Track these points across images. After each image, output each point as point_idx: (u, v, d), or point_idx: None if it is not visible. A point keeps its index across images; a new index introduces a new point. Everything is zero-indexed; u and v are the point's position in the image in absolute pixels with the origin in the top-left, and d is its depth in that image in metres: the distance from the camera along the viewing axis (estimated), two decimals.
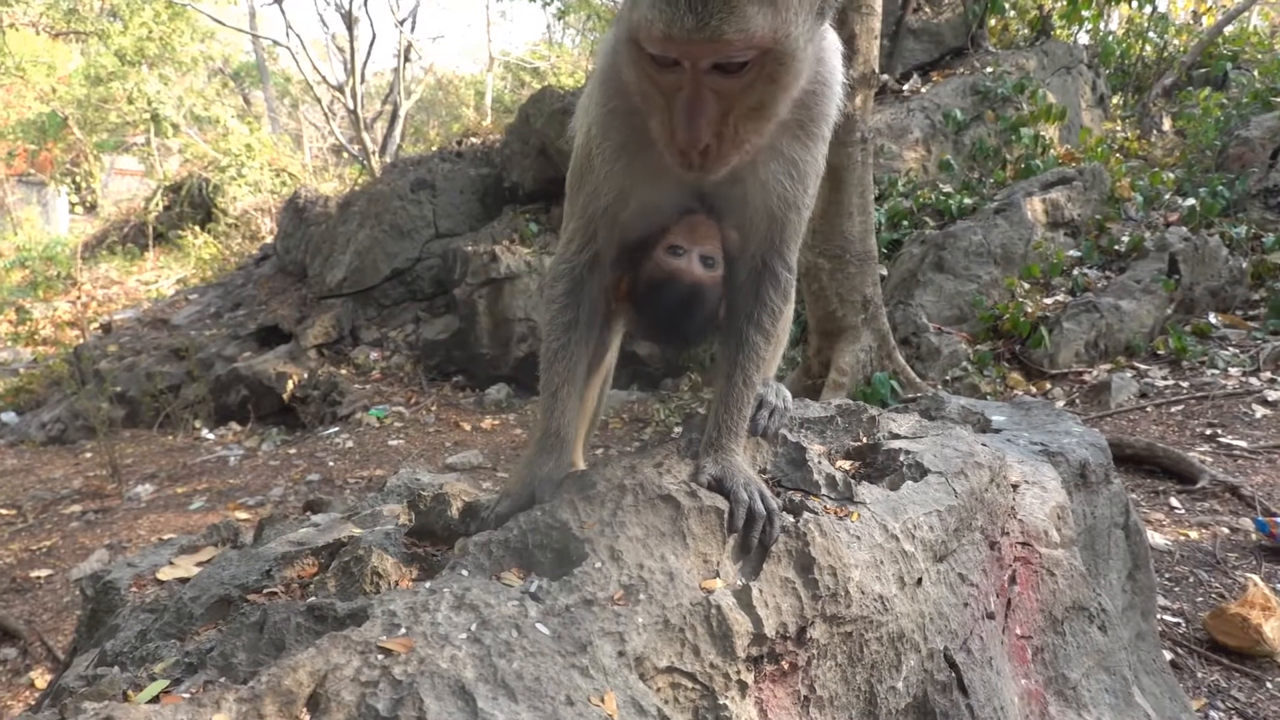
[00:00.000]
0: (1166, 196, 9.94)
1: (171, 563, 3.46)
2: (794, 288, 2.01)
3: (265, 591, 2.05)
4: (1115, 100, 14.27)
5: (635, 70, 1.55)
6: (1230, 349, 7.47)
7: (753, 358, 1.92)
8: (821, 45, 1.73)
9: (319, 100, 20.46)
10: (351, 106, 18.31)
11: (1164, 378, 7.20)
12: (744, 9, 1.35)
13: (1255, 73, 13.39)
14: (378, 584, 1.82)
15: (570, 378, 1.98)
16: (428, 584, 1.50)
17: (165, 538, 6.33)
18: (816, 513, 1.80)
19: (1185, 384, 7.01)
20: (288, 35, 19.63)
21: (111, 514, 7.64)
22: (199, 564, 3.30)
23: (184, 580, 3.10)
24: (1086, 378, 7.34)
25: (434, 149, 14.94)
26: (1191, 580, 4.32)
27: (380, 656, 1.25)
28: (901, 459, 2.16)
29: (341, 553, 1.98)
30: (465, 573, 1.54)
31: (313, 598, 1.66)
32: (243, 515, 7.00)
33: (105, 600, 3.10)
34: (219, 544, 3.91)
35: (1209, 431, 6.07)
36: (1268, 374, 6.89)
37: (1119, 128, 13.41)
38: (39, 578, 6.25)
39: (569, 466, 1.96)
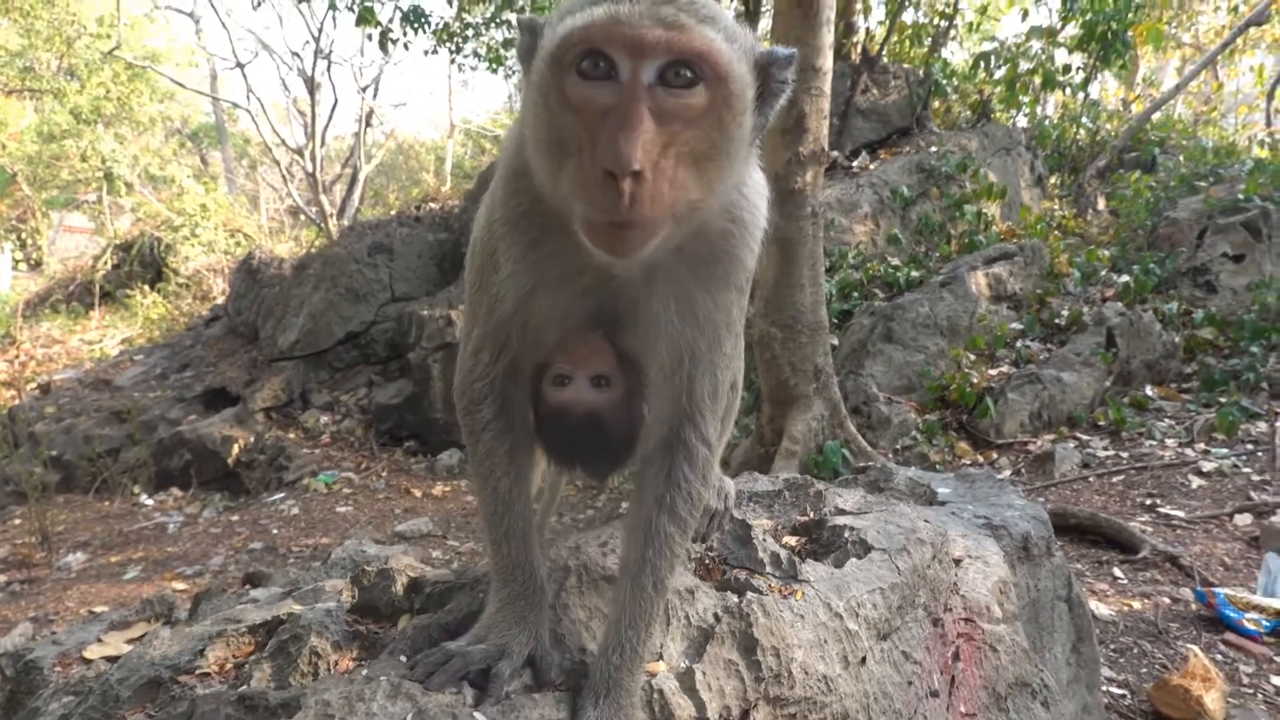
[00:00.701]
0: (1102, 273, 10.36)
1: (100, 640, 3.32)
2: (713, 465, 1.74)
3: (198, 673, 1.97)
4: (1053, 180, 14.94)
5: (552, 104, 1.33)
6: (1166, 421, 7.72)
7: (665, 554, 1.62)
8: (750, 173, 1.60)
9: (278, 162, 20.48)
10: (310, 169, 18.36)
11: (1105, 448, 7.40)
12: (702, 17, 1.27)
13: (1181, 158, 14.17)
14: (315, 665, 1.78)
15: (530, 515, 1.73)
16: (364, 671, 1.46)
17: (96, 611, 6.07)
18: (761, 592, 1.81)
19: (1125, 454, 7.21)
20: (248, 98, 19.75)
21: (39, 584, 7.30)
22: (129, 641, 3.17)
23: (113, 659, 2.97)
24: (1031, 447, 7.51)
25: (392, 213, 15.00)
26: (1135, 651, 4.37)
27: None
28: (846, 535, 2.19)
29: (280, 631, 1.92)
30: (404, 658, 1.52)
31: (244, 686, 1.61)
32: (180, 586, 6.74)
33: (26, 681, 2.95)
34: (152, 619, 3.77)
35: (1149, 501, 6.23)
36: (1202, 445, 7.12)
37: (1056, 206, 14.01)
38: None
39: (547, 642, 1.64)
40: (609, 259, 1.40)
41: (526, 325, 1.65)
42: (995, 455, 7.50)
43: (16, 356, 16.03)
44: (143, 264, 18.78)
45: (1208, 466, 6.66)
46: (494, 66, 15.19)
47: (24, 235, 23.96)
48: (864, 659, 1.88)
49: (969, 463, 7.34)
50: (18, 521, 9.47)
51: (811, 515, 2.39)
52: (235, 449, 10.69)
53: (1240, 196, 10.08)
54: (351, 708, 1.30)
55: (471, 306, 1.76)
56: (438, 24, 13.83)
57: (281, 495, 9.59)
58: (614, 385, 1.69)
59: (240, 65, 20.35)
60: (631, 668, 1.57)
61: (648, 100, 1.25)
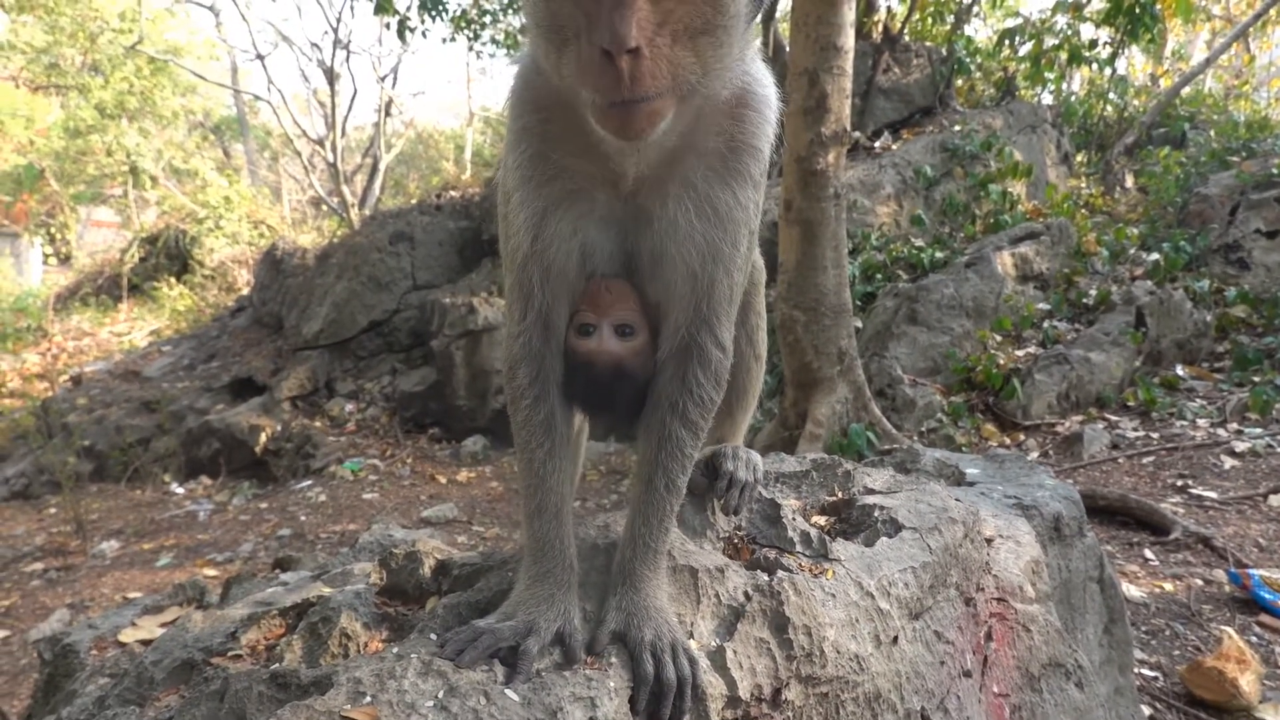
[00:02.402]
0: (1131, 251, 10.19)
1: (134, 624, 3.37)
2: (727, 370, 1.71)
3: (229, 655, 2.00)
4: (1079, 158, 14.70)
5: None
6: (1198, 401, 7.59)
7: (677, 456, 1.66)
8: (752, 56, 1.57)
9: (299, 153, 20.61)
10: (331, 160, 18.45)
11: (1135, 429, 7.29)
12: None
13: (1212, 133, 13.88)
14: (346, 646, 1.78)
15: (568, 490, 1.71)
16: (395, 649, 1.47)
17: (130, 596, 6.17)
18: (791, 571, 1.79)
19: (1155, 435, 7.10)
20: (269, 90, 19.91)
21: (74, 572, 7.43)
22: (163, 625, 3.22)
23: (146, 642, 3.02)
24: (1059, 429, 7.41)
25: (413, 202, 15.05)
26: (1168, 633, 4.32)
27: None
28: (876, 514, 2.16)
29: (310, 613, 1.94)
30: (434, 636, 1.52)
31: (276, 665, 1.62)
32: (211, 572, 6.84)
33: (64, 664, 3.01)
34: (184, 604, 3.83)
35: (1180, 483, 6.13)
36: (1234, 425, 7.00)
37: (1083, 184, 13.79)
38: None
39: (576, 620, 1.59)
40: (620, 143, 1.40)
41: (545, 259, 1.60)
42: (1022, 437, 7.42)
43: (49, 349, 16.30)
44: (169, 256, 19.01)
45: (1241, 447, 6.54)
46: (512, 52, 15.15)
47: (53, 230, 24.33)
48: (896, 638, 1.86)
49: (996, 445, 7.26)
50: (53, 510, 9.65)
51: (840, 495, 2.36)
52: (263, 437, 10.81)
53: (1274, 171, 9.87)
54: (383, 685, 1.30)
55: (504, 261, 1.74)
56: (455, 11, 13.81)
57: (309, 483, 9.70)
58: (638, 333, 1.68)
59: (260, 57, 20.54)
60: (646, 559, 1.62)
61: None
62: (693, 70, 1.34)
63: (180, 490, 10.31)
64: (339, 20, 17.79)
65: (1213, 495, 5.86)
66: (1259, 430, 6.80)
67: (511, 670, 1.41)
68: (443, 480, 9.37)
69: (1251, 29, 16.91)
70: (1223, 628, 4.07)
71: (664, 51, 1.29)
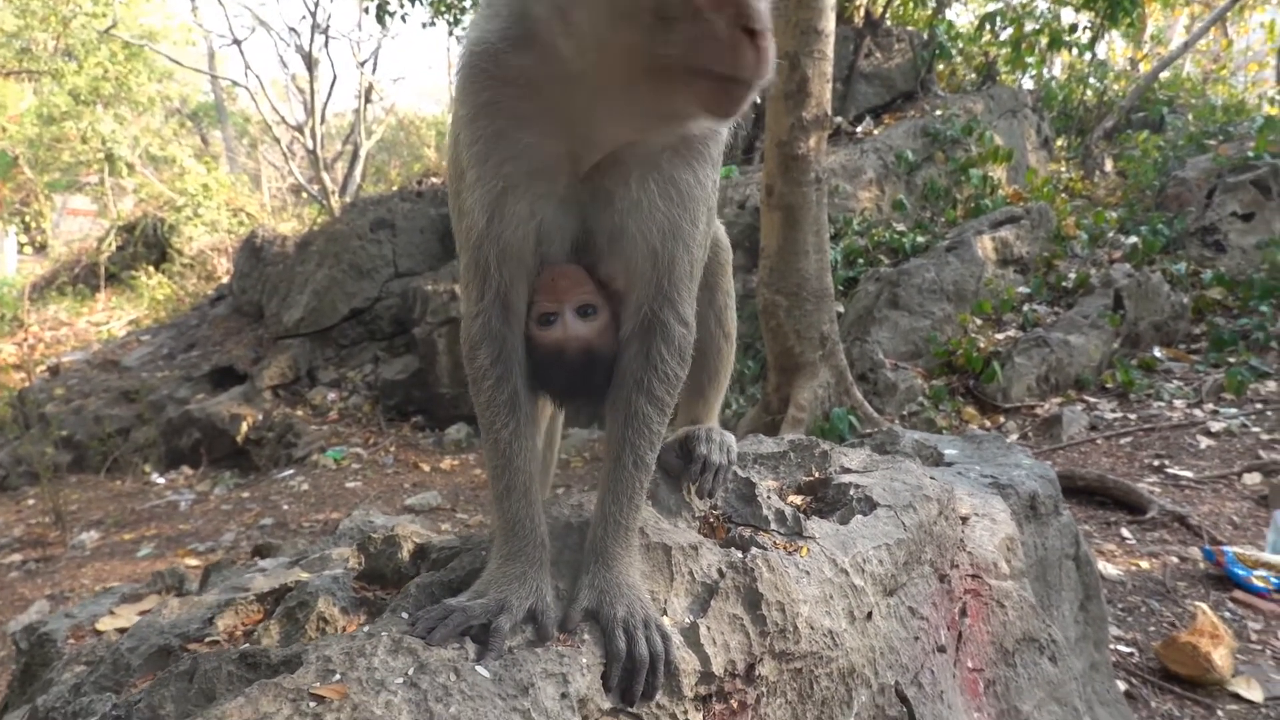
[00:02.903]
0: (1110, 234, 10.26)
1: (112, 612, 3.36)
2: (691, 345, 1.72)
3: (206, 640, 1.99)
4: (1059, 142, 14.77)
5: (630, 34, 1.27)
6: (1175, 382, 7.68)
7: (644, 433, 1.66)
8: None
9: (278, 140, 20.38)
10: (311, 147, 18.26)
11: (1113, 410, 7.37)
12: None
13: (1190, 117, 13.98)
14: (323, 630, 1.78)
15: (534, 469, 1.70)
16: (366, 628, 1.46)
17: (109, 587, 6.12)
18: (766, 548, 1.80)
19: (1133, 416, 7.18)
20: (246, 75, 19.66)
21: (54, 563, 7.37)
22: (141, 613, 3.20)
23: (124, 630, 3.00)
24: (1039, 411, 7.48)
25: (394, 189, 14.94)
26: (1144, 610, 4.38)
27: (312, 704, 1.21)
28: (852, 493, 2.18)
29: (287, 598, 1.93)
30: (406, 615, 1.52)
31: (247, 645, 1.62)
32: (192, 562, 6.80)
33: (40, 653, 2.98)
34: (163, 592, 3.81)
35: (1157, 462, 6.21)
36: (1210, 406, 7.09)
37: (1063, 168, 13.86)
38: None
39: (549, 598, 1.58)
40: (713, 121, 1.44)
41: (501, 240, 1.58)
42: (1002, 419, 7.48)
43: (25, 339, 16.09)
44: (147, 245, 18.77)
45: (1216, 426, 6.63)
46: None
47: (28, 218, 23.96)
48: (870, 614, 1.88)
49: (975, 427, 7.32)
50: (31, 501, 9.56)
51: (817, 474, 2.38)
52: (244, 427, 10.74)
53: (1250, 154, 9.96)
54: (353, 663, 1.30)
55: (457, 240, 1.71)
56: None
57: (291, 472, 9.65)
58: (600, 312, 1.68)
59: (237, 42, 20.25)
60: (617, 537, 1.62)
61: None
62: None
63: (161, 480, 10.23)
64: (317, 4, 17.59)
65: (1189, 475, 5.94)
66: (1234, 410, 6.89)
67: (483, 648, 1.41)
68: (426, 468, 9.34)
69: (1229, 13, 17.02)
70: (1197, 603, 4.14)
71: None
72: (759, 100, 1.56)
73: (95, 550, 7.65)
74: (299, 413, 11.10)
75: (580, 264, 1.68)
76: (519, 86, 1.50)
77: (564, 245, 1.67)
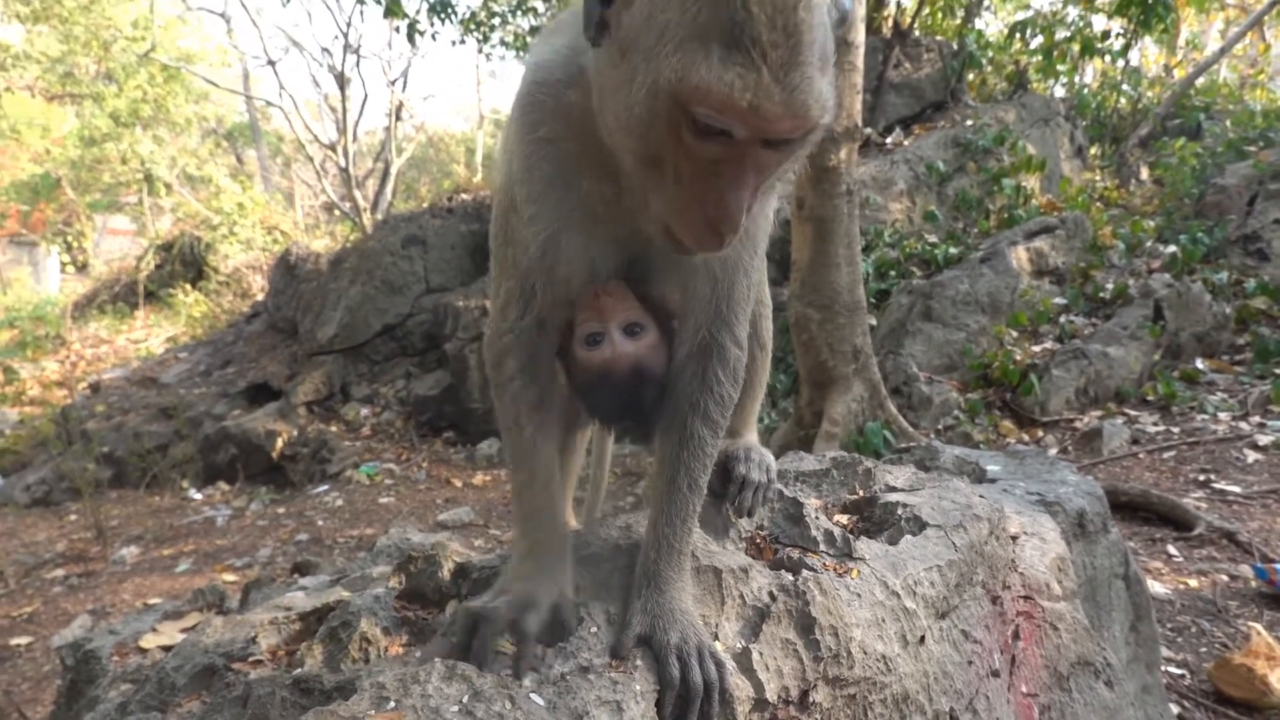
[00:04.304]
0: (1148, 244, 10.09)
1: (155, 629, 3.38)
2: (744, 365, 1.73)
3: (250, 660, 1.99)
4: (1093, 150, 14.57)
5: (657, 130, 1.24)
6: (1219, 394, 7.50)
7: (699, 455, 1.65)
8: None
9: (311, 159, 20.70)
10: (343, 165, 18.52)
11: (1155, 424, 7.21)
12: (818, 80, 1.17)
13: (1228, 123, 13.72)
14: (366, 650, 1.77)
15: (554, 465, 1.69)
16: (418, 653, 1.45)
17: (150, 602, 6.20)
18: (816, 570, 1.77)
19: (1176, 430, 7.02)
20: (280, 95, 20.02)
21: (96, 578, 7.48)
22: (183, 630, 3.23)
23: (167, 648, 3.02)
24: (1078, 425, 7.34)
25: (425, 206, 15.08)
26: (1194, 630, 4.26)
27: None
28: (899, 512, 2.14)
29: (329, 618, 1.93)
30: (455, 640, 1.50)
31: (299, 670, 1.61)
32: (230, 577, 6.87)
33: (86, 670, 3.01)
34: (204, 609, 3.84)
35: (1202, 477, 6.06)
36: (1257, 418, 6.91)
37: (1098, 177, 13.66)
38: (19, 646, 6.09)
39: (570, 592, 1.61)
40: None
41: (552, 273, 1.59)
42: (1040, 433, 7.35)
43: (67, 357, 16.44)
44: (184, 263, 19.13)
45: (1264, 440, 6.45)
46: (521, 55, 15.16)
47: (70, 238, 24.54)
48: (923, 638, 1.84)
49: (1014, 441, 7.20)
50: (73, 517, 9.73)
51: (862, 493, 2.34)
52: (279, 443, 10.86)
53: None
54: (406, 690, 1.29)
55: (497, 259, 1.70)
56: (464, 14, 13.83)
57: (325, 487, 9.73)
58: (648, 330, 1.66)
59: (272, 63, 20.65)
60: (670, 560, 1.60)
61: (757, 159, 1.24)
62: (767, 200, 1.40)
63: (198, 496, 10.37)
64: (349, 25, 17.89)
65: (1236, 490, 5.78)
66: None
67: (518, 659, 1.42)
68: (458, 484, 9.38)
69: (1266, 17, 16.72)
70: (1251, 624, 4.01)
71: (754, 206, 1.31)
72: None
73: (135, 565, 7.75)
74: (333, 428, 11.21)
75: (628, 282, 1.67)
76: (575, 123, 1.46)
77: (616, 272, 1.66)
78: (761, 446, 2.11)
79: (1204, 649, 4.10)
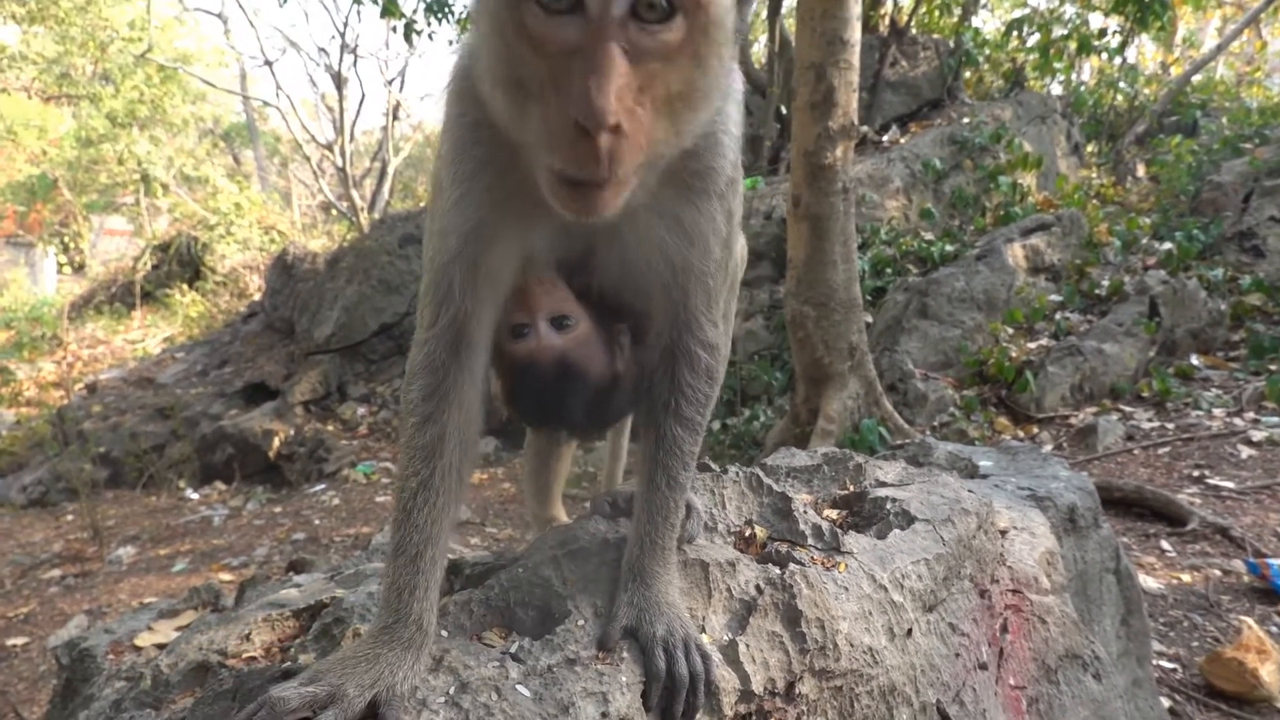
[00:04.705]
0: (1144, 241, 10.10)
1: (150, 628, 3.39)
2: (719, 366, 1.66)
3: (244, 656, 2.00)
4: (1090, 148, 14.59)
5: (508, 36, 1.14)
6: (1213, 390, 7.52)
7: (676, 454, 1.62)
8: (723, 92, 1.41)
9: (308, 159, 20.71)
10: (340, 164, 18.53)
11: (1149, 420, 7.23)
12: None
13: (1224, 120, 13.76)
14: None
15: (437, 531, 1.49)
16: None
17: (146, 602, 6.21)
18: (803, 564, 1.78)
19: (1171, 426, 7.04)
20: (278, 96, 20.03)
21: (92, 578, 7.49)
22: (178, 629, 3.23)
23: (162, 646, 3.03)
24: (1073, 421, 7.36)
25: (422, 205, 15.09)
26: (1186, 624, 4.28)
27: None
28: (889, 507, 2.15)
29: (323, 615, 1.94)
30: (445, 633, 1.51)
31: (288, 663, 1.63)
32: (226, 577, 6.87)
33: (81, 669, 3.02)
34: (199, 607, 3.84)
35: (1196, 473, 6.08)
36: (1251, 414, 6.93)
37: (1094, 174, 13.68)
38: (15, 646, 6.10)
39: (426, 668, 1.39)
40: (576, 219, 1.24)
41: (475, 268, 1.45)
42: (1036, 430, 7.37)
43: (64, 358, 16.44)
44: (181, 263, 19.12)
45: (1258, 435, 6.47)
46: None
47: (66, 239, 24.53)
48: (910, 631, 1.85)
49: (1009, 438, 7.22)
50: (70, 517, 9.73)
51: (852, 488, 2.35)
52: (276, 442, 10.87)
53: None
54: None
55: (425, 263, 1.55)
56: (461, 13, 13.81)
57: (322, 486, 9.74)
58: (578, 323, 1.60)
59: (269, 63, 20.74)
60: (654, 555, 1.59)
61: (619, 38, 1.08)
62: (671, 137, 1.23)
63: (195, 495, 10.37)
64: (346, 25, 17.91)
65: (1230, 485, 5.80)
66: (1276, 419, 6.73)
67: None
68: None
69: (1263, 15, 16.75)
70: (1242, 618, 4.03)
71: (643, 123, 1.14)
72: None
73: (132, 565, 7.76)
74: (330, 428, 11.22)
75: (555, 274, 1.60)
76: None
77: (557, 270, 1.60)
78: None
79: (1196, 643, 4.12)
